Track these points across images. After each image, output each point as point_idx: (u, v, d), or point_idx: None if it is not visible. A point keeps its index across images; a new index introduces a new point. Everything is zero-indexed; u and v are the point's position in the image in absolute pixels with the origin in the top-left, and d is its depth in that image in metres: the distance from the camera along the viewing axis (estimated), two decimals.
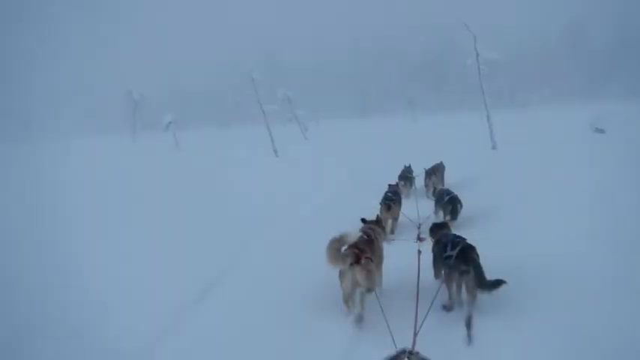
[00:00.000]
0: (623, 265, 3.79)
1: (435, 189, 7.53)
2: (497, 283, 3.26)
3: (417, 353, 2.26)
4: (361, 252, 3.58)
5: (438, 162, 8.99)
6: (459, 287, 3.55)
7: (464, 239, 3.72)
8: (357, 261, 3.47)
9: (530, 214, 5.64)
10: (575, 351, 2.91)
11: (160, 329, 3.59)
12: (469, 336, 3.17)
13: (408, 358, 2.23)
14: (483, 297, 3.36)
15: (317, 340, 3.34)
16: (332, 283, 3.65)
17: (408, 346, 2.43)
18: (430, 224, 4.62)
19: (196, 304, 4.07)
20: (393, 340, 2.70)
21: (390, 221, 6.05)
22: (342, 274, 3.55)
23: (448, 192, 6.36)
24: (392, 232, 6.03)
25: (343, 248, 3.64)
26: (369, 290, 3.49)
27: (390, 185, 7.02)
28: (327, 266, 3.55)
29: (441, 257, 3.74)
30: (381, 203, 6.15)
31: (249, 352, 3.26)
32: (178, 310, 3.92)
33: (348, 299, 3.59)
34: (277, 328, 3.55)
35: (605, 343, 2.93)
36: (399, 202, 6.44)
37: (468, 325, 3.21)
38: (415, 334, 2.72)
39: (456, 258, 3.46)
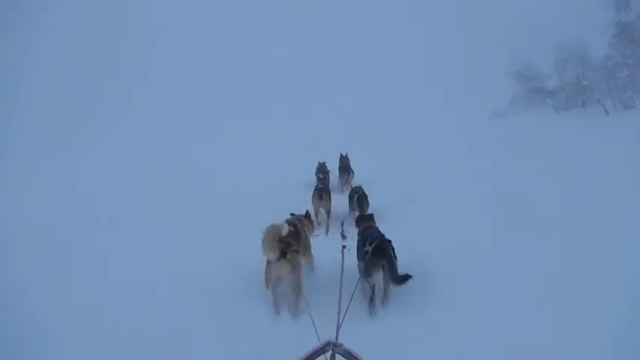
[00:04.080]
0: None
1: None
2: (405, 278, 3.44)
3: (341, 345, 2.28)
4: (287, 245, 3.67)
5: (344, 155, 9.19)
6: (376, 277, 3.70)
7: (382, 235, 3.93)
8: (283, 255, 3.57)
9: None
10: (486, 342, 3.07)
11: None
12: (370, 307, 3.57)
13: (332, 350, 2.26)
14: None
15: (241, 333, 3.39)
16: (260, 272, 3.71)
17: (332, 338, 2.47)
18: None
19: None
20: (317, 332, 2.81)
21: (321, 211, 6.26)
22: (269, 266, 3.63)
23: (357, 190, 6.53)
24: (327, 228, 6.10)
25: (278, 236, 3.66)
26: (296, 288, 3.65)
27: (319, 178, 7.67)
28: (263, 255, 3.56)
29: (360, 250, 3.95)
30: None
31: (170, 345, 3.28)
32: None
33: (269, 284, 3.67)
34: (203, 321, 3.61)
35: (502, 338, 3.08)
36: (329, 194, 6.56)
37: (372, 300, 3.58)
38: (338, 327, 2.78)
39: (372, 253, 3.65)
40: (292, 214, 4.79)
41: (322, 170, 8.71)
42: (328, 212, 6.34)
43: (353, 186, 7.13)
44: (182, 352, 3.23)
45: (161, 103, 33.68)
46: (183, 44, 47.88)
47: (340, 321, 2.88)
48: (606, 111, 17.14)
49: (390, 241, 3.77)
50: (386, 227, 4.33)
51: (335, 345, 2.27)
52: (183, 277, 4.43)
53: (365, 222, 4.50)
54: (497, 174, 7.97)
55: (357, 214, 5.77)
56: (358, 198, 6.20)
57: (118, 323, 3.61)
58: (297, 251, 3.79)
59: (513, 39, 31.42)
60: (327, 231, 6.03)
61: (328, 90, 38.65)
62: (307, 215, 4.99)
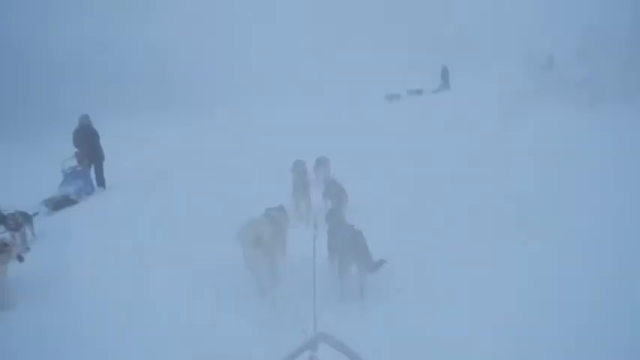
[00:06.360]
0: None
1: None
2: (379, 264, 3.50)
3: (333, 337, 2.20)
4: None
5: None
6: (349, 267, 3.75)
7: (352, 226, 3.97)
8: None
9: None
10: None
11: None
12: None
13: (323, 341, 2.19)
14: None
15: (227, 326, 3.46)
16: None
17: (322, 330, 2.36)
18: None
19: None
20: (302, 326, 2.65)
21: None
22: (246, 255, 3.72)
23: (333, 183, 6.65)
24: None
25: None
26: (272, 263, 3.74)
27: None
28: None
29: (331, 243, 4.02)
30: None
31: (159, 335, 3.41)
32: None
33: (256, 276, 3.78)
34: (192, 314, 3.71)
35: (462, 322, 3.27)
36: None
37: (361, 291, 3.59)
38: (315, 318, 2.71)
39: (343, 245, 3.70)
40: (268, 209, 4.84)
41: (302, 166, 8.85)
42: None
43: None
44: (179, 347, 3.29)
45: (161, 98, 33.72)
46: (183, 40, 47.98)
47: (317, 312, 2.78)
48: None
49: (360, 232, 3.76)
50: (377, 224, 4.39)
51: (327, 337, 2.18)
52: (186, 273, 4.54)
53: (335, 217, 4.57)
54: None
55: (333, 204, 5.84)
56: (336, 188, 6.31)
57: (118, 322, 3.67)
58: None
59: (524, 27, 30.48)
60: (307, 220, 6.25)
61: (328, 89, 38.65)
62: (281, 209, 5.01)
